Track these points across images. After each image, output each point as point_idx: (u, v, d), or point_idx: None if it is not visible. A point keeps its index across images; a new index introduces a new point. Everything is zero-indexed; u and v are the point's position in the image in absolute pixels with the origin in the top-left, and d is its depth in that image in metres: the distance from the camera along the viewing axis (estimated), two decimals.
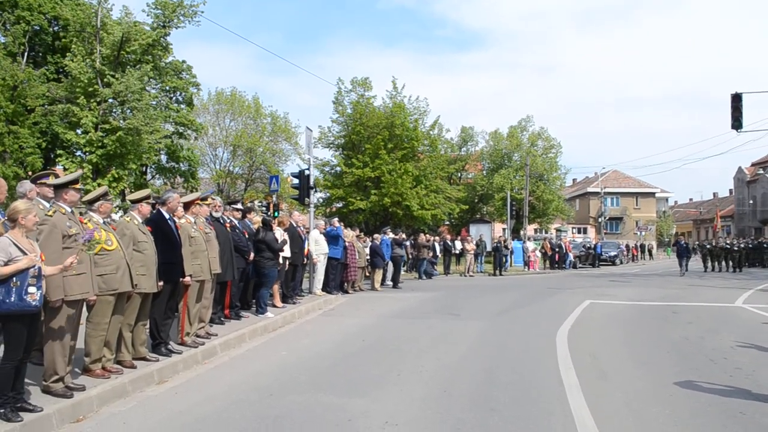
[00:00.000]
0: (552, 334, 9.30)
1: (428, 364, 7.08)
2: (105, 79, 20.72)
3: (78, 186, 5.22)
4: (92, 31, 21.24)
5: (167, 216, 6.74)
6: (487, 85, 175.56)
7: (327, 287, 13.96)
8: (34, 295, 4.33)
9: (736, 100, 17.99)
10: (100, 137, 20.35)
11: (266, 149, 39.88)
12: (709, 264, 30.70)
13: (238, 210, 9.63)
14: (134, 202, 6.32)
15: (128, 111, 21.13)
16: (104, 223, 5.64)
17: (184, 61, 25.53)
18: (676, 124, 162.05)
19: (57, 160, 21.68)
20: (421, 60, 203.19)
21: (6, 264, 4.27)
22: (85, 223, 5.28)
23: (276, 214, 18.98)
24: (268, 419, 4.92)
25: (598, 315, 11.83)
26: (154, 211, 6.68)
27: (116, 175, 20.99)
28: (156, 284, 6.18)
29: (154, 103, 23.01)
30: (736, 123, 18.06)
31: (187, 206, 7.42)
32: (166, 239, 6.53)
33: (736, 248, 30.15)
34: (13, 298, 4.24)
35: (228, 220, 8.92)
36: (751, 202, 65.02)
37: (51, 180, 5.78)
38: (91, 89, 20.59)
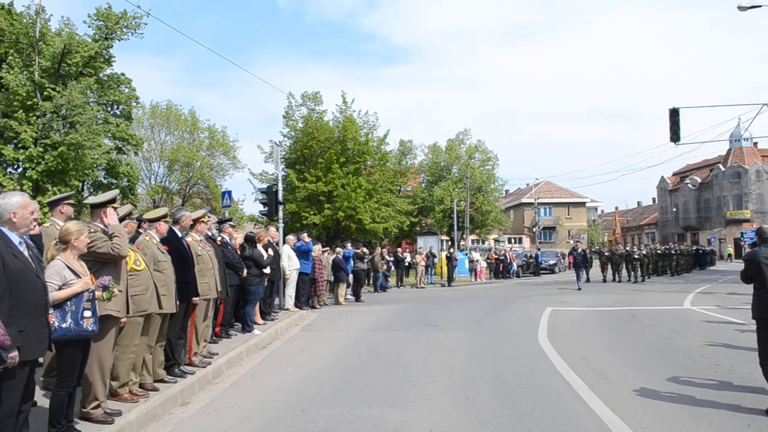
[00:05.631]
0: (533, 341, 9.72)
1: (437, 374, 7.27)
2: (45, 93, 19.84)
3: (116, 205, 5.11)
4: (28, 42, 20.32)
5: (180, 234, 6.65)
6: (415, 98, 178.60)
7: (297, 302, 13.90)
8: (90, 319, 4.21)
9: (674, 114, 19.19)
10: (40, 153, 19.45)
11: (204, 164, 39.17)
12: (609, 273, 27.61)
13: (231, 227, 9.54)
14: (152, 221, 6.19)
15: (68, 125, 20.29)
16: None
17: (123, 74, 24.85)
18: (600, 136, 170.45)
19: None
20: (350, 73, 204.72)
21: (60, 288, 4.15)
22: None
23: None
24: None
25: (565, 321, 12.37)
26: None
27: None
28: (175, 304, 6.08)
29: (96, 117, 22.18)
30: (675, 136, 19.24)
31: (191, 224, 7.33)
32: (181, 258, 6.45)
33: (636, 255, 26.61)
34: (69, 324, 4.12)
35: (219, 237, 8.84)
36: (674, 210, 69.22)
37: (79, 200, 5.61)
38: (30, 103, 19.68)
